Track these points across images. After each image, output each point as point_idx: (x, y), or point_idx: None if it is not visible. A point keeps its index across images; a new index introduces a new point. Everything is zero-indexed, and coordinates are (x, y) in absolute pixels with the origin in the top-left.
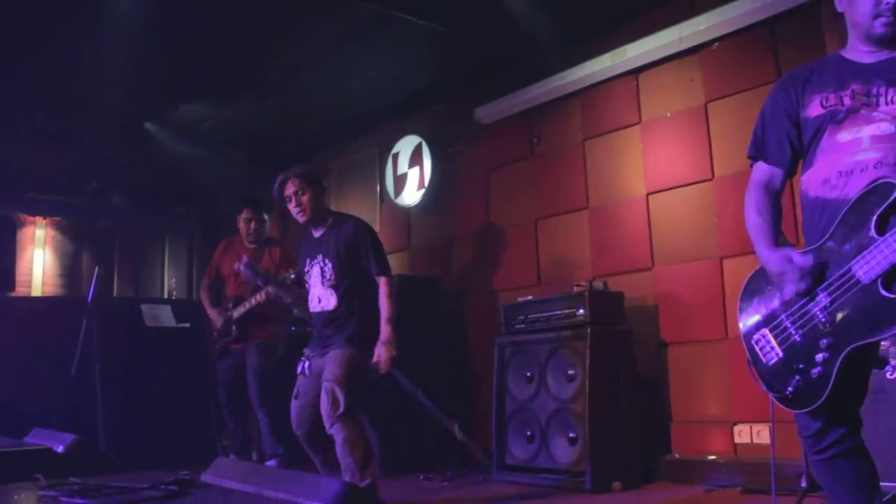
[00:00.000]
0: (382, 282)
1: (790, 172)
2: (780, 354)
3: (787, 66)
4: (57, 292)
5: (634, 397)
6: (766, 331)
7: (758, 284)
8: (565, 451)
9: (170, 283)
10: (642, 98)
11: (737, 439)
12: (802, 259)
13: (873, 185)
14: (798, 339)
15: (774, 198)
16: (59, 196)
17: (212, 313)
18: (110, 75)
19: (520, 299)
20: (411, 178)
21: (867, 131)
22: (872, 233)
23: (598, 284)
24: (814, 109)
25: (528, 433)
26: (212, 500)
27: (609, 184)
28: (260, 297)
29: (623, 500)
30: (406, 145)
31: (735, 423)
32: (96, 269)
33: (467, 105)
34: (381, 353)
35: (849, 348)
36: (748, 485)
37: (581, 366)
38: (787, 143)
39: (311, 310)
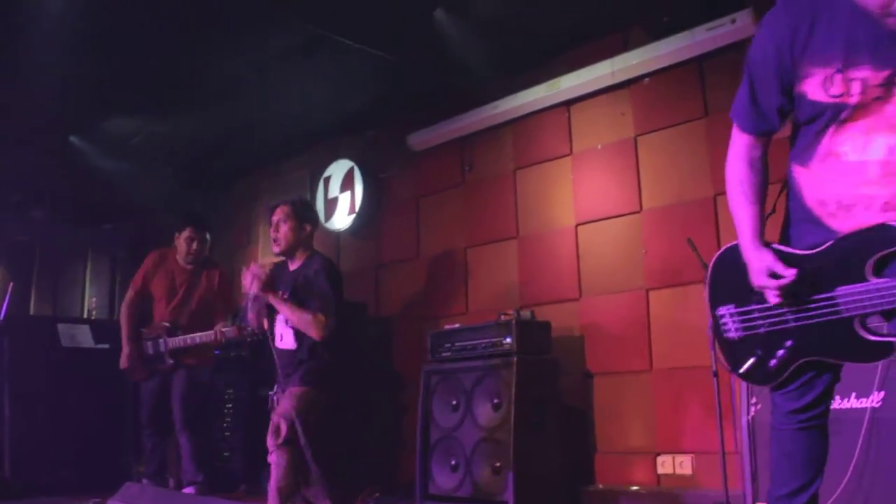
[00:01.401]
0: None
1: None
2: (742, 334)
3: (715, 103)
4: None
5: (559, 427)
6: (734, 309)
7: (736, 264)
8: (489, 481)
9: (90, 302)
10: (574, 130)
11: (659, 470)
12: (786, 273)
13: (881, 226)
14: (762, 331)
15: (760, 174)
16: None
17: (126, 346)
18: (36, 84)
19: (447, 327)
20: (342, 202)
21: (878, 151)
22: (868, 272)
23: (526, 314)
24: (813, 90)
25: (453, 462)
26: None
27: (539, 214)
28: (206, 339)
29: None
30: (338, 169)
31: (658, 454)
32: (10, 284)
33: (400, 131)
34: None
35: (808, 358)
36: None
37: (507, 395)
38: (775, 115)
39: (275, 345)
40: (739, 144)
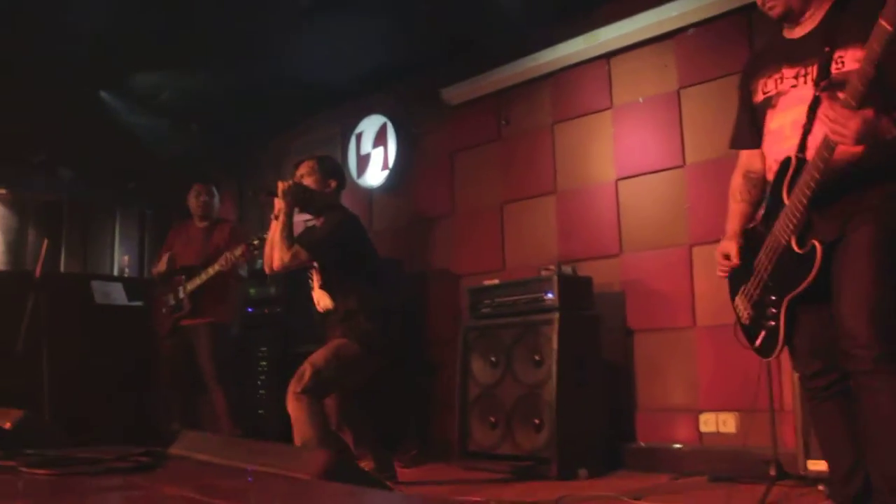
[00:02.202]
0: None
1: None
2: (751, 312)
3: None
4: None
5: (601, 384)
6: (741, 296)
7: (742, 257)
8: (530, 438)
9: (121, 260)
10: (614, 82)
11: (702, 428)
12: (735, 260)
13: (782, 162)
14: (756, 297)
15: (751, 183)
16: (3, 167)
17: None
18: (64, 41)
19: (486, 283)
20: (375, 158)
21: (790, 117)
22: (784, 198)
23: (567, 269)
24: (758, 96)
25: (492, 419)
26: (188, 471)
27: (578, 168)
28: (218, 266)
29: (590, 487)
30: (370, 125)
31: (701, 412)
32: (45, 242)
33: (434, 85)
34: None
35: (786, 299)
36: (713, 473)
37: (548, 351)
38: (753, 128)
39: (318, 310)
40: (740, 159)
